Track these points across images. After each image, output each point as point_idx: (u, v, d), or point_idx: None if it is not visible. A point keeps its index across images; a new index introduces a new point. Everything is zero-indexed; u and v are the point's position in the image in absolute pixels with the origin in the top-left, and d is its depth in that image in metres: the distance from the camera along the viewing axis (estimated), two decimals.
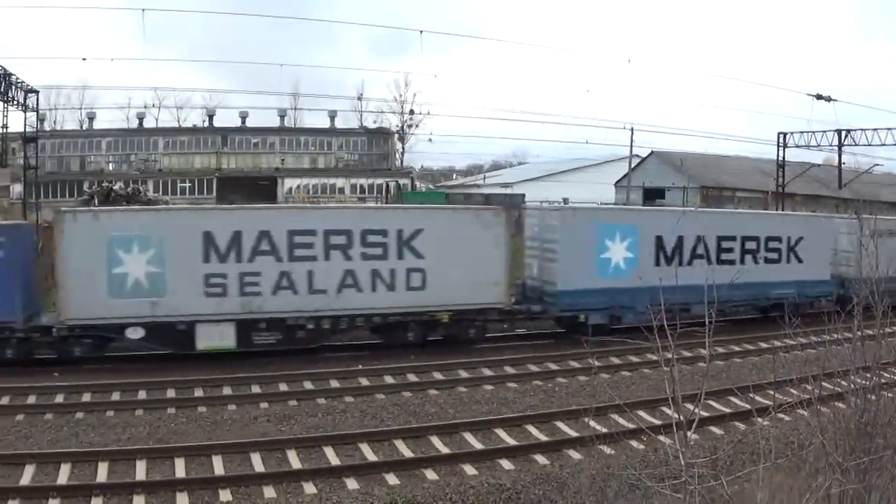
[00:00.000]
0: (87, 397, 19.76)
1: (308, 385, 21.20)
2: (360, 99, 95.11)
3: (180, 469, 15.24)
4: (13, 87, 40.94)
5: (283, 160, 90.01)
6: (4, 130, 43.00)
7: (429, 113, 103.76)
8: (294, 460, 15.72)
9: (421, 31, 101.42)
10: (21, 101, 42.38)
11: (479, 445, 16.60)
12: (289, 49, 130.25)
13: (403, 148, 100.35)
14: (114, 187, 48.08)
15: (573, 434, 17.19)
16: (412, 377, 22.02)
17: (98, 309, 22.20)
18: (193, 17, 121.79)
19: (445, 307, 24.97)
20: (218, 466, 15.36)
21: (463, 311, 25.24)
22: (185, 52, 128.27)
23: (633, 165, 73.66)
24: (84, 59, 69.20)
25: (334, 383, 21.40)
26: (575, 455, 16.05)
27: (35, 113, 44.43)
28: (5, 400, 19.61)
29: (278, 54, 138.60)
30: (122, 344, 23.53)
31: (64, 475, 14.93)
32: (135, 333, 22.72)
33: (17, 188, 57.04)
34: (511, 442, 16.85)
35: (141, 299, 22.50)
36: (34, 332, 22.58)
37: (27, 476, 14.87)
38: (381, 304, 24.44)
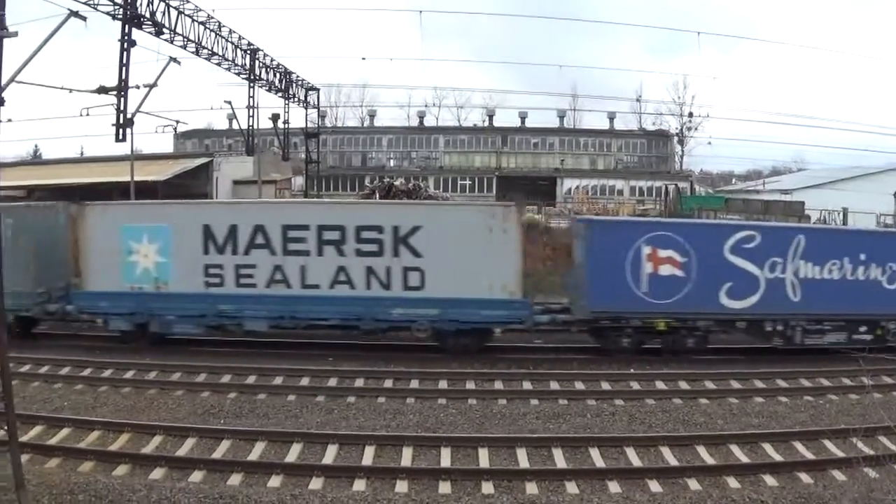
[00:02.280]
0: (359, 383, 20.32)
1: (579, 385, 20.68)
2: (638, 100, 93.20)
3: (446, 458, 15.36)
4: (294, 85, 43.08)
5: (562, 161, 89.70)
6: (286, 126, 45.36)
7: (707, 115, 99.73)
8: (559, 459, 15.46)
9: (699, 33, 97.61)
10: (302, 98, 44.55)
11: (744, 459, 15.79)
12: (567, 49, 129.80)
13: (683, 151, 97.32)
14: (395, 183, 49.80)
15: (839, 454, 16.01)
16: (683, 384, 20.92)
17: None
18: (471, 18, 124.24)
19: None
20: (483, 459, 15.38)
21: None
22: (463, 52, 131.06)
23: None
24: (363, 59, 72.80)
25: (605, 385, 20.76)
26: (839, 476, 14.97)
27: (316, 110, 46.53)
28: (278, 380, 20.48)
29: (556, 55, 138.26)
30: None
31: (330, 456, 15.45)
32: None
33: (298, 180, 60.29)
34: (776, 458, 15.90)
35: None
36: None
37: (293, 454, 15.53)
38: None
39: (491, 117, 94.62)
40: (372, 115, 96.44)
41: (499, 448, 15.91)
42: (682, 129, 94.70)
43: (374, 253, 22.98)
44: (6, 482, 13.07)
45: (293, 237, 23.13)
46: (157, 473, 14.65)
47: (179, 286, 23.49)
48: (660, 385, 20.78)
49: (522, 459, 15.40)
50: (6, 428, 12.86)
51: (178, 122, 42.70)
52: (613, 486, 14.12)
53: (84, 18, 18.45)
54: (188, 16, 28.97)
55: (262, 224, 23.20)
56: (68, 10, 17.59)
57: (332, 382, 20.33)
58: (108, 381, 20.66)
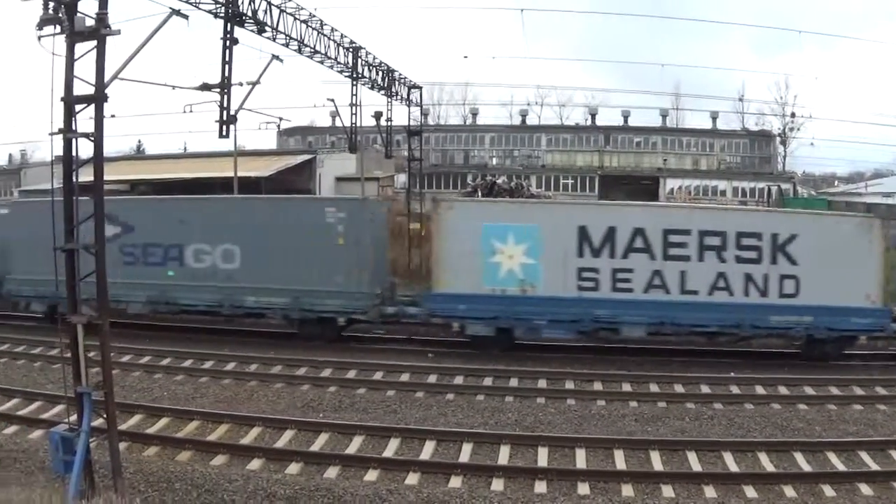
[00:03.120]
0: (458, 380, 20.29)
1: (678, 388, 20.21)
2: (740, 100, 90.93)
3: (543, 458, 15.18)
4: (396, 83, 43.25)
5: (665, 160, 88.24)
6: (389, 123, 45.62)
7: (810, 116, 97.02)
8: (656, 462, 15.15)
9: (800, 32, 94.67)
10: (404, 96, 44.73)
11: (841, 467, 15.19)
12: (669, 48, 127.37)
13: (785, 151, 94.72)
14: (497, 181, 49.75)
15: None
16: (783, 390, 20.21)
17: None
18: (573, 17, 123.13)
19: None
20: (580, 460, 15.17)
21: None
22: (565, 51, 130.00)
23: None
24: (466, 57, 73.21)
25: (705, 388, 20.23)
26: None
27: (419, 107, 46.68)
28: (378, 376, 20.57)
29: (659, 53, 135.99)
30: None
31: (427, 451, 15.42)
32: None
33: (401, 178, 60.58)
34: (874, 466, 15.20)
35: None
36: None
37: (391, 449, 15.57)
38: None
39: (593, 116, 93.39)
40: (474, 114, 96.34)
41: (596, 449, 15.65)
42: (784, 130, 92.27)
43: (753, 260, 22.72)
44: (105, 469, 13.40)
45: (674, 242, 22.93)
46: (255, 464, 14.82)
47: (549, 289, 23.08)
48: (759, 390, 20.13)
49: (619, 461, 15.11)
50: (105, 416, 13.15)
51: (280, 119, 43.35)
52: (709, 491, 13.79)
53: (186, 17, 18.66)
54: (290, 14, 29.19)
55: (642, 227, 22.95)
56: (170, 8, 17.83)
57: (432, 379, 20.35)
58: (208, 373, 21.08)
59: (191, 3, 22.18)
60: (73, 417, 13.43)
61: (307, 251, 23.82)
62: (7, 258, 27.29)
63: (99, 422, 13.45)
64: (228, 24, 24.64)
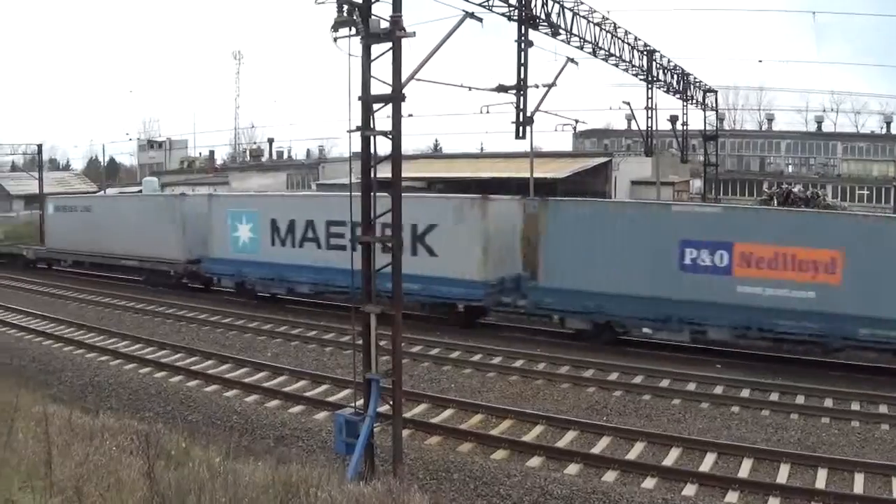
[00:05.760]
0: (745, 393, 19.32)
1: None
2: None
3: (821, 480, 14.27)
4: (692, 87, 42.27)
5: None
6: (685, 127, 44.73)
7: None
8: None
9: None
10: (699, 100, 43.65)
11: None
12: None
13: None
14: (793, 189, 47.95)
15: None
16: None
17: None
18: (866, 20, 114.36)
19: None
20: (858, 485, 14.09)
21: None
22: (858, 55, 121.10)
23: None
24: (760, 61, 69.74)
25: None
26: None
27: (714, 112, 45.50)
28: (664, 383, 20.03)
29: None
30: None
31: (707, 464, 14.88)
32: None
33: (696, 183, 59.06)
34: None
35: None
36: None
37: (671, 458, 15.14)
38: None
39: (888, 124, 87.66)
40: (770, 119, 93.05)
41: (874, 475, 14.37)
42: None
43: None
44: (386, 454, 13.94)
45: None
46: (535, 462, 14.89)
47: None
48: None
49: None
50: (391, 403, 13.68)
51: (577, 121, 43.62)
52: None
53: (480, 20, 19.14)
54: (583, 17, 29.27)
55: None
56: (464, 11, 18.38)
57: (718, 390, 19.50)
58: (496, 368, 21.42)
59: (484, 6, 22.72)
60: (360, 402, 14.07)
61: None
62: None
63: (384, 408, 14.07)
64: (522, 27, 25.02)
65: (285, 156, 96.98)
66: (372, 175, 13.63)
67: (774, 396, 19.03)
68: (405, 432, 14.77)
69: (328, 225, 27.78)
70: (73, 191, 68.47)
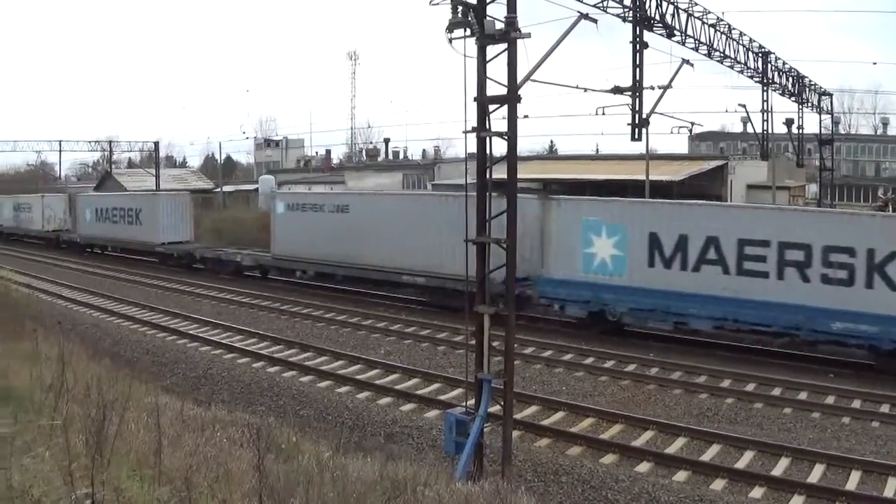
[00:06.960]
0: (856, 404, 18.70)
1: None
2: None
3: None
4: (807, 90, 41.27)
5: None
6: (800, 131, 43.72)
7: None
8: None
9: None
10: (815, 103, 42.60)
11: None
12: None
13: None
14: None
15: None
16: None
17: None
18: None
19: None
20: None
21: None
22: None
23: None
24: (874, 63, 67.40)
25: None
26: None
27: (829, 115, 44.37)
28: (776, 391, 19.53)
29: None
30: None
31: (816, 475, 14.54)
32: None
33: (812, 188, 57.55)
34: None
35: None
36: None
37: (780, 468, 14.85)
38: None
39: None
40: (885, 123, 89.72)
41: None
42: None
43: None
44: (495, 454, 13.99)
45: None
46: (643, 467, 14.74)
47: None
48: None
49: None
50: (503, 404, 13.73)
51: (693, 123, 42.81)
52: None
53: (594, 21, 19.04)
54: (698, 18, 28.84)
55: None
56: (578, 12, 18.34)
57: (830, 400, 18.93)
58: (608, 372, 21.27)
59: (599, 8, 22.63)
60: (471, 402, 14.19)
61: None
62: None
63: (495, 409, 14.11)
64: (637, 28, 24.80)
65: (401, 156, 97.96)
66: (488, 176, 13.70)
67: (885, 408, 18.42)
68: (515, 433, 14.80)
69: (740, 244, 22.48)
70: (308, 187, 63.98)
